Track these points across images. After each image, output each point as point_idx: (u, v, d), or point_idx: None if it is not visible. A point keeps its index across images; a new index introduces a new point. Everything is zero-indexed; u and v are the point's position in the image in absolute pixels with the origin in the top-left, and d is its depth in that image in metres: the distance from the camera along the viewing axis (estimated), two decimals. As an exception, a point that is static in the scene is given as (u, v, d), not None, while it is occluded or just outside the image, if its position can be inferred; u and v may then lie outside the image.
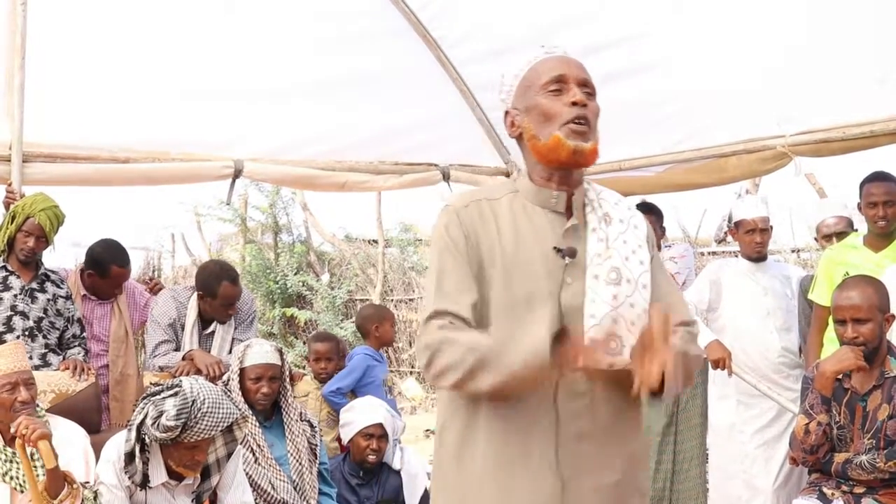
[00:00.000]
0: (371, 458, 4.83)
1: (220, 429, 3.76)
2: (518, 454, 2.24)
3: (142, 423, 3.71)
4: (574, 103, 2.28)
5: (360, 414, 4.91)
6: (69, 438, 3.89)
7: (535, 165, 2.37)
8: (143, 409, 3.74)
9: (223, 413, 3.74)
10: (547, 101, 2.31)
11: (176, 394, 3.69)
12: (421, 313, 2.35)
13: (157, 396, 3.74)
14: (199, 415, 3.66)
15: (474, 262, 2.30)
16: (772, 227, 5.54)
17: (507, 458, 2.25)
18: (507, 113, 2.42)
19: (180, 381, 3.79)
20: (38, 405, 3.94)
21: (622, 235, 2.35)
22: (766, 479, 5.33)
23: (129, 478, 3.76)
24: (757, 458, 5.36)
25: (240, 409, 3.93)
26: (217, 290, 5.01)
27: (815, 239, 5.96)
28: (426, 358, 2.24)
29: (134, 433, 3.73)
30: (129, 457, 3.75)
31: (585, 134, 2.28)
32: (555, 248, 2.29)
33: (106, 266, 5.28)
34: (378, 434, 4.83)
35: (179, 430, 3.65)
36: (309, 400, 5.48)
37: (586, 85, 2.34)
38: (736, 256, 5.76)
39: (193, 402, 3.66)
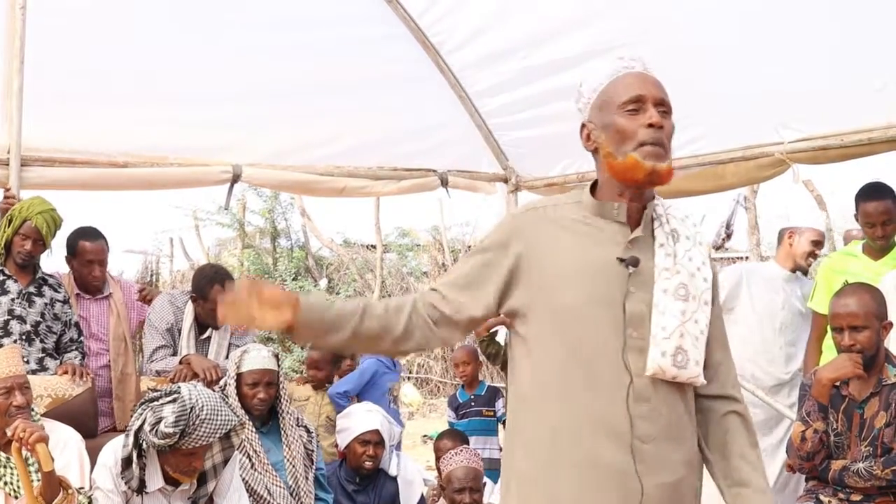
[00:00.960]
0: (367, 464, 4.83)
1: (218, 436, 3.76)
2: (598, 455, 2.31)
3: (139, 428, 3.71)
4: (651, 125, 2.33)
5: (356, 420, 4.91)
6: (64, 443, 3.89)
7: (610, 180, 2.43)
8: (142, 414, 3.74)
9: (221, 420, 3.74)
10: (624, 120, 2.35)
11: (175, 400, 3.68)
12: None
13: (156, 402, 3.73)
14: (197, 422, 3.66)
15: (512, 268, 2.42)
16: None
17: (588, 458, 2.31)
18: (583, 126, 2.47)
19: (179, 387, 3.78)
20: (33, 409, 3.94)
21: (688, 252, 2.42)
22: None
23: (126, 483, 3.76)
24: None
25: (237, 416, 3.92)
26: (209, 293, 4.97)
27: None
28: None
29: (131, 439, 3.73)
30: (126, 462, 3.75)
31: (661, 155, 2.34)
32: (619, 257, 2.36)
33: (74, 243, 5.13)
34: (374, 440, 4.83)
35: (178, 436, 3.64)
36: (308, 405, 5.48)
37: (663, 104, 2.38)
38: (732, 262, 5.75)
39: (192, 408, 3.66)
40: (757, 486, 2.42)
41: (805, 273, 5.51)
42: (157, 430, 3.64)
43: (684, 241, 2.42)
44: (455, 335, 2.55)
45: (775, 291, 5.42)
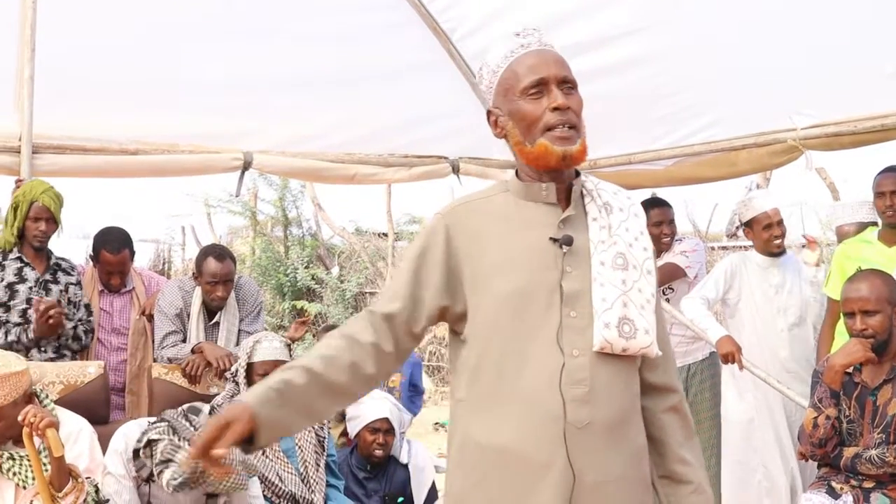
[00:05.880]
0: (378, 452, 4.83)
1: (226, 491, 3.81)
2: (528, 442, 2.23)
3: (154, 442, 3.72)
4: (556, 108, 2.27)
5: (365, 408, 4.90)
6: (78, 432, 3.89)
7: (524, 166, 2.38)
8: (163, 434, 3.73)
9: (228, 484, 3.75)
10: (529, 105, 2.30)
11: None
12: None
13: (177, 439, 3.72)
14: (201, 480, 3.68)
15: (448, 267, 2.34)
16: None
17: (518, 445, 2.24)
18: (489, 112, 2.42)
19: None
20: (47, 396, 3.95)
21: (624, 223, 2.35)
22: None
23: (137, 470, 3.77)
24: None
25: (251, 468, 3.89)
26: (202, 266, 4.97)
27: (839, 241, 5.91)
28: None
29: (144, 443, 3.75)
30: (136, 453, 3.76)
31: (571, 137, 2.28)
32: (551, 238, 2.31)
33: (97, 251, 5.24)
34: (384, 428, 4.83)
35: None
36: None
37: (566, 80, 2.32)
38: (745, 250, 5.72)
39: (202, 472, 3.64)
40: (696, 485, 2.41)
41: (779, 254, 5.46)
42: (162, 473, 3.66)
43: (618, 213, 2.37)
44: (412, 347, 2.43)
45: (767, 278, 5.40)
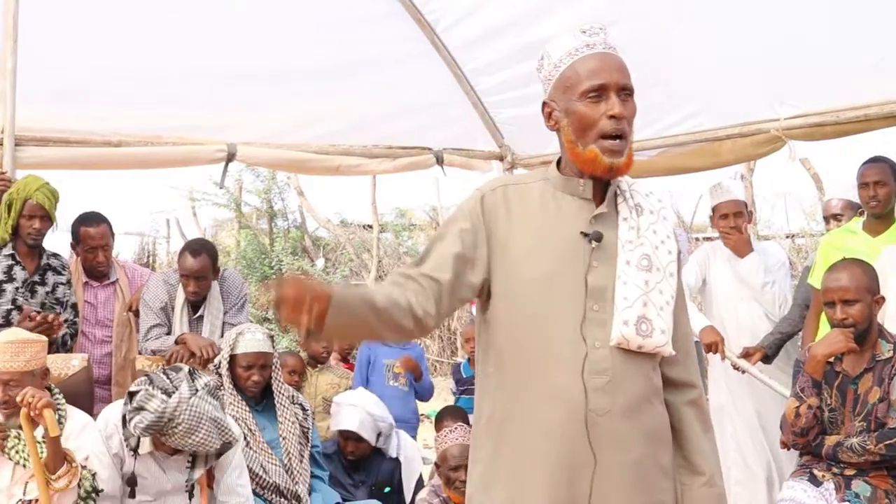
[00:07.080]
0: (350, 457, 4.89)
1: (192, 450, 3.82)
2: (551, 425, 2.32)
3: (134, 394, 3.77)
4: (612, 116, 2.33)
5: (340, 415, 4.99)
6: (83, 426, 3.94)
7: (570, 161, 2.44)
8: (139, 385, 3.79)
9: (197, 439, 3.75)
10: (586, 108, 2.35)
11: (163, 401, 3.69)
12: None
13: (151, 387, 3.75)
14: (169, 431, 3.70)
15: (482, 246, 2.41)
16: (749, 212, 5.56)
17: (542, 427, 2.33)
18: (545, 104, 2.47)
19: (177, 388, 3.75)
20: (57, 391, 3.98)
21: (652, 226, 2.44)
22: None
23: (126, 440, 3.81)
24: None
25: (226, 434, 3.90)
26: (180, 260, 4.99)
27: (824, 218, 5.98)
28: None
29: (128, 399, 3.81)
30: (124, 419, 3.80)
31: (620, 150, 2.35)
32: (582, 232, 2.38)
33: (76, 230, 5.19)
34: (354, 437, 4.88)
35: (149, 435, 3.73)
36: (305, 386, 5.50)
37: (625, 88, 2.38)
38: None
39: (170, 420, 3.67)
40: (708, 477, 2.47)
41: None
42: (133, 420, 3.70)
43: (648, 215, 2.45)
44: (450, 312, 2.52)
45: (732, 269, 5.50)
